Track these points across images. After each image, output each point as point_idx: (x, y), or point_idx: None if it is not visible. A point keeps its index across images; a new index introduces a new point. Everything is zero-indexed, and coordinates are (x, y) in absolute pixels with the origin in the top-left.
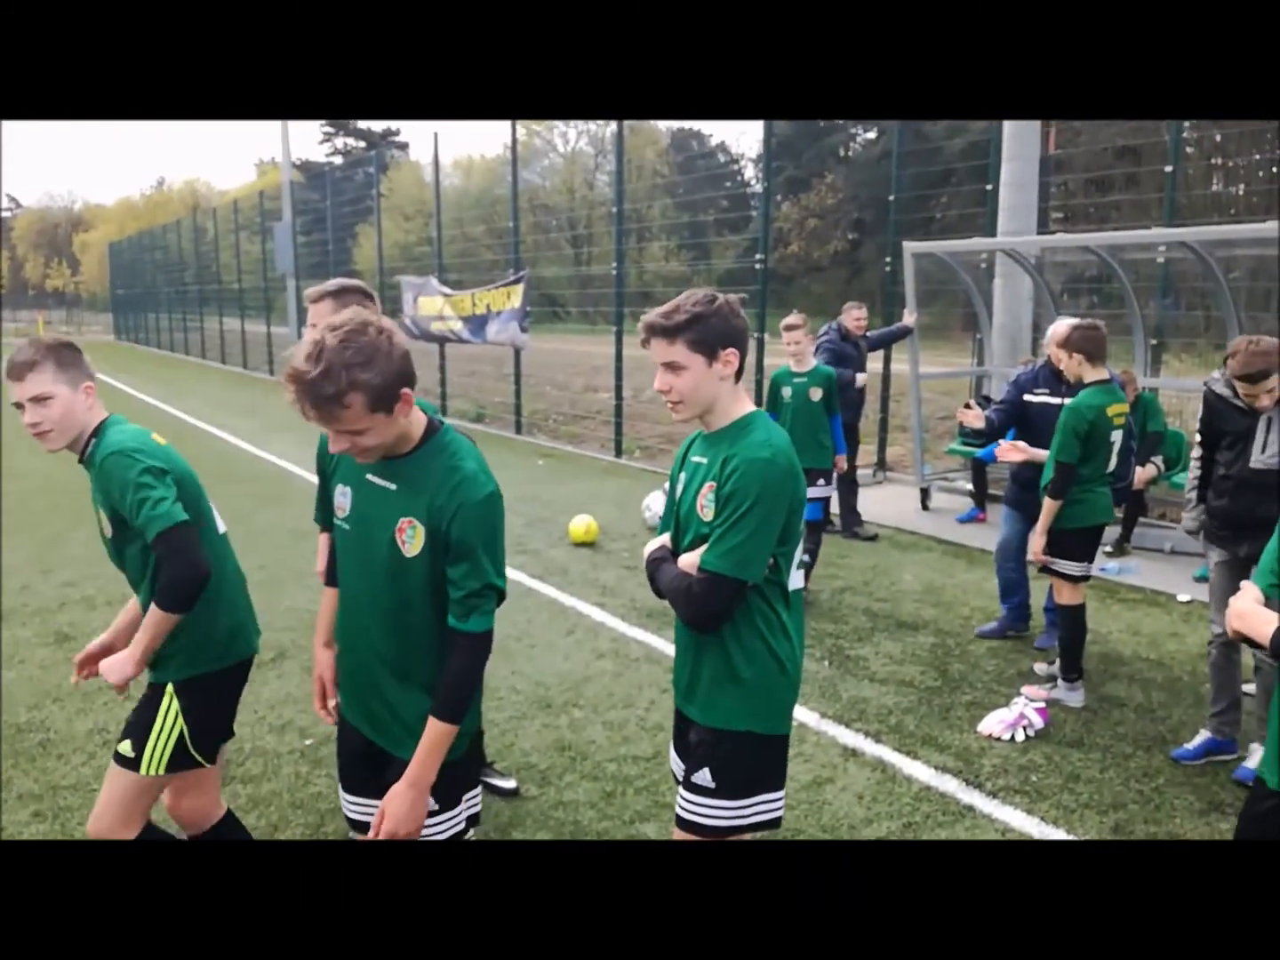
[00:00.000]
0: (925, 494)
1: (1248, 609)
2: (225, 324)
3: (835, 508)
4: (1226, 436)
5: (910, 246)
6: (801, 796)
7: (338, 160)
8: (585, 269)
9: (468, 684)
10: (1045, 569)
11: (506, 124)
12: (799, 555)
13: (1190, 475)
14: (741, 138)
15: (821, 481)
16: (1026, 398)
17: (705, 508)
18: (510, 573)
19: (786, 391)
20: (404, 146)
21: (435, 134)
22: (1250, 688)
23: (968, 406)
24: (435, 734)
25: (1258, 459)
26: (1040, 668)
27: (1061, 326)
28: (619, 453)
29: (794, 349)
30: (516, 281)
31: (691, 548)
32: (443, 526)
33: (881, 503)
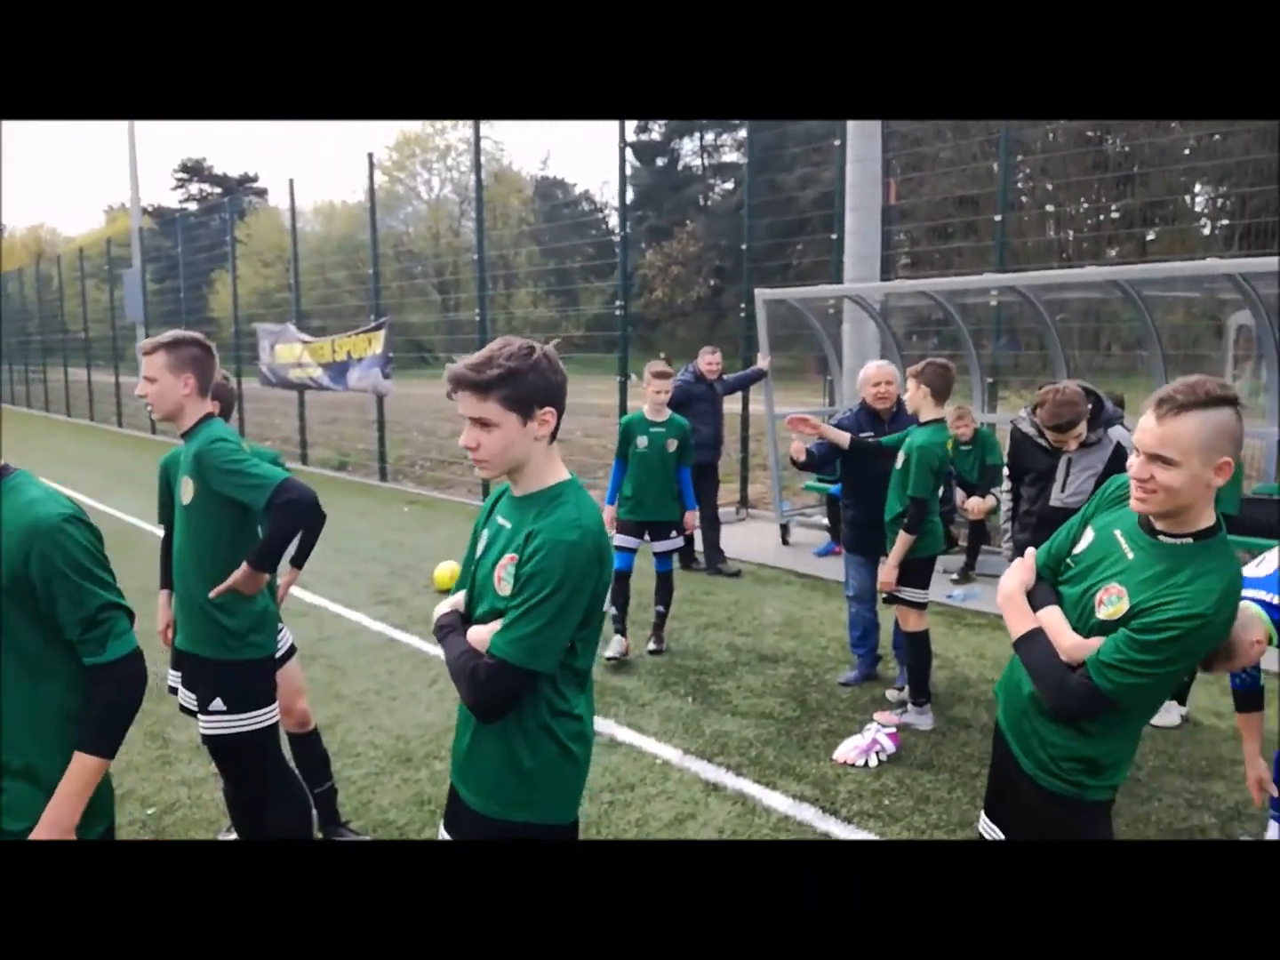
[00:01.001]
0: (785, 529)
1: (1014, 597)
2: (71, 374)
3: (699, 545)
4: (1030, 473)
5: (761, 293)
6: (664, 834)
7: (192, 206)
8: (452, 315)
9: (124, 717)
10: (892, 598)
11: (366, 170)
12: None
13: (1004, 508)
14: (604, 186)
15: (674, 533)
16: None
17: (503, 580)
18: (371, 624)
19: (642, 440)
20: (262, 193)
21: (291, 180)
22: None
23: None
24: (84, 769)
25: (1057, 497)
26: (891, 694)
27: (871, 368)
28: (486, 496)
29: (660, 397)
30: (378, 328)
31: (484, 619)
32: (20, 570)
33: (744, 539)
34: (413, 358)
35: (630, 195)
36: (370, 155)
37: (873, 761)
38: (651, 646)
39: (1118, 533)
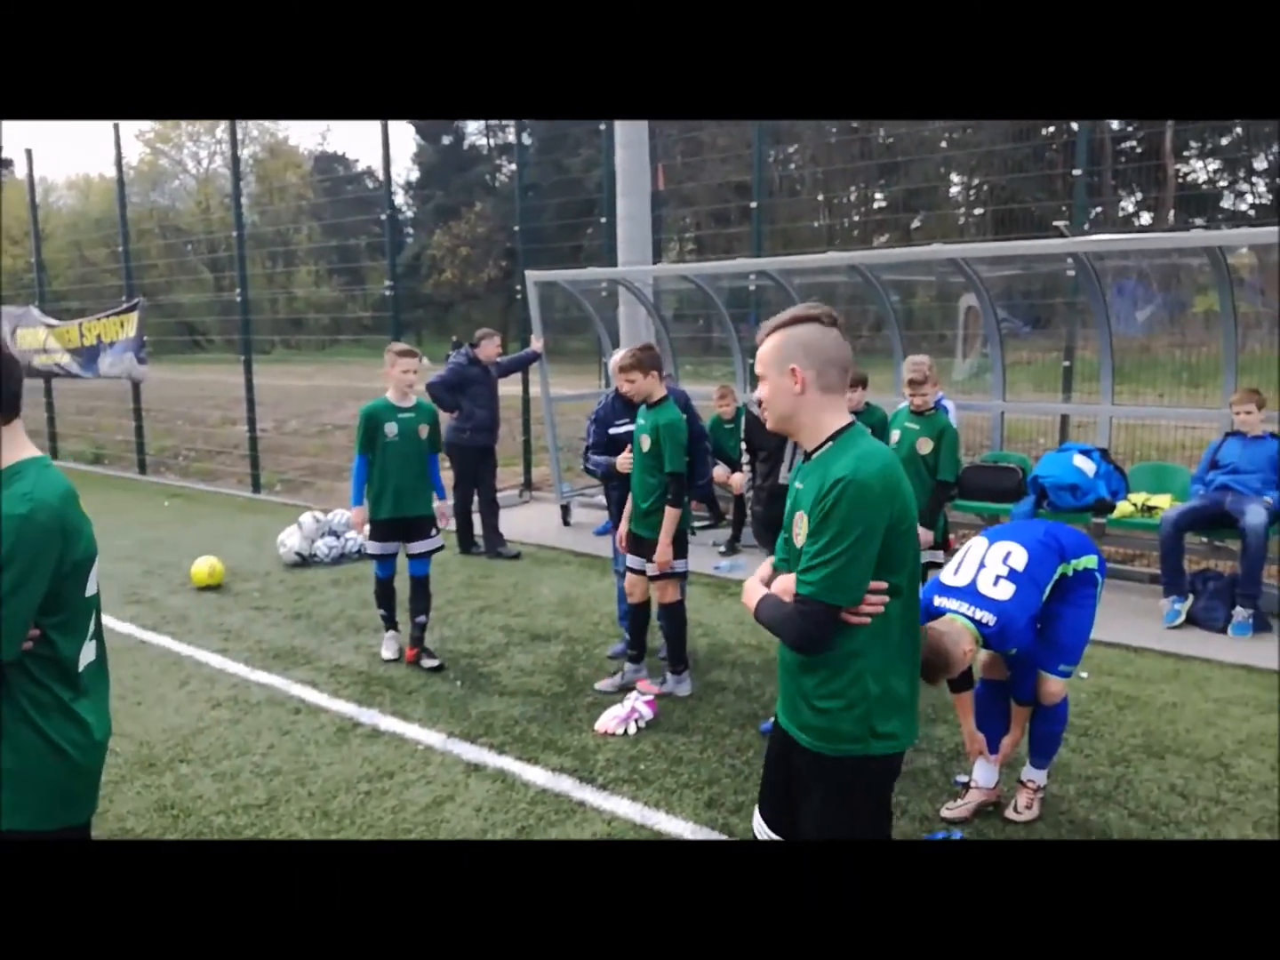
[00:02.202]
0: (566, 510)
1: (750, 586)
2: None
3: (479, 529)
4: (762, 452)
5: (532, 275)
6: (420, 819)
7: None
8: (227, 294)
9: None
10: (664, 574)
11: (123, 140)
12: (92, 627)
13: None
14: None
15: (434, 531)
16: (612, 431)
17: None
18: (118, 625)
19: (390, 429)
20: (8, 164)
21: (29, 150)
22: None
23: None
24: None
25: (785, 476)
26: (605, 684)
27: (620, 354)
28: (257, 488)
29: (407, 378)
30: (130, 309)
31: None
32: None
33: (527, 521)
34: (183, 341)
35: (416, 173)
36: (116, 126)
37: (631, 729)
38: (426, 664)
39: (797, 482)
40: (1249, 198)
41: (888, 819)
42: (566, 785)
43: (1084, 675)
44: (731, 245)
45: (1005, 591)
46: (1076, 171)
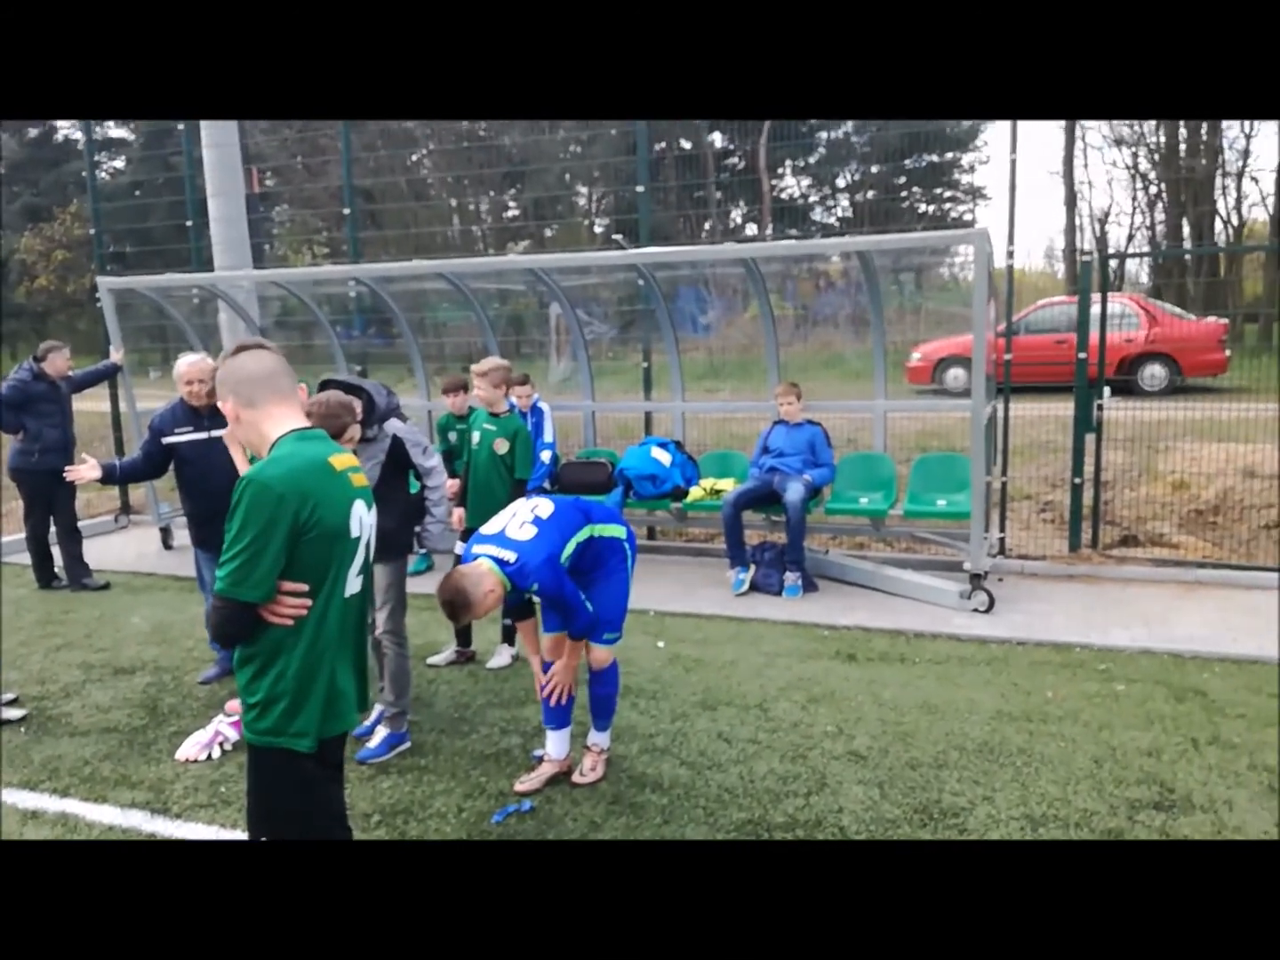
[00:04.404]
0: (166, 533)
1: None
2: None
3: (60, 561)
4: None
5: (105, 282)
6: None
7: None
8: None
9: None
10: None
11: None
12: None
13: None
14: None
15: None
16: (168, 440)
17: None
18: None
19: None
20: None
21: None
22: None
23: (83, 460)
24: None
25: None
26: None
27: (182, 365)
28: None
29: None
30: None
31: None
32: None
33: (122, 548)
34: None
35: None
36: None
37: (216, 753)
38: (9, 715)
39: None
40: (838, 210)
41: (322, 804)
42: (136, 819)
43: (660, 645)
44: (364, 249)
45: (528, 534)
46: (640, 188)
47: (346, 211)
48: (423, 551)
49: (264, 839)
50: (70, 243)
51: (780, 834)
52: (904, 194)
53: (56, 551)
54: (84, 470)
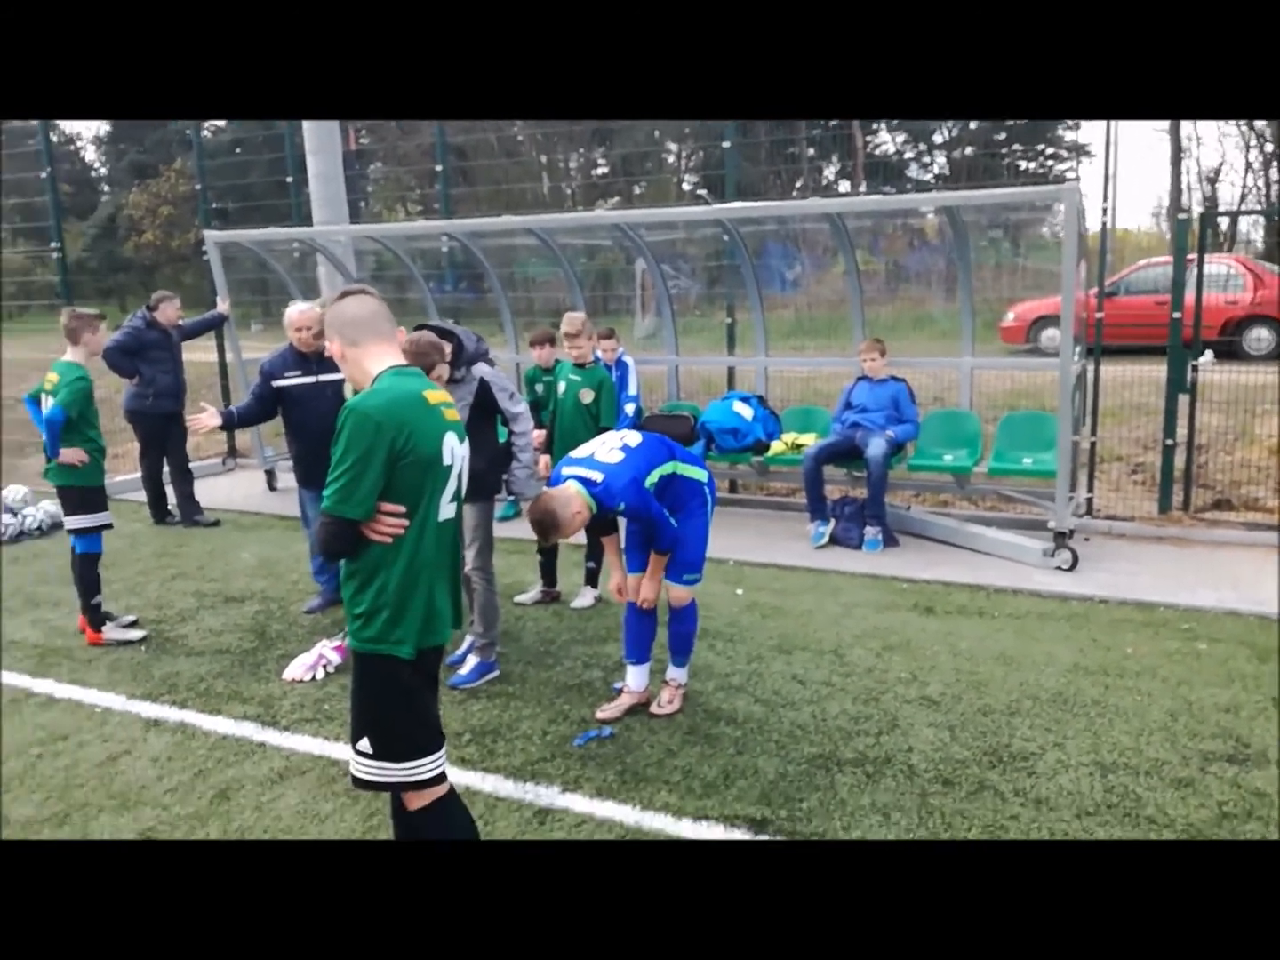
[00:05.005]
0: (271, 475)
1: None
2: None
3: (173, 499)
4: None
5: (212, 235)
6: (93, 774)
7: None
8: None
9: None
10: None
11: None
12: None
13: None
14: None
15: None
16: (277, 383)
17: None
18: None
19: None
20: None
21: None
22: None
23: (202, 409)
24: None
25: None
26: None
27: (293, 313)
28: None
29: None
30: None
31: None
32: None
33: (230, 489)
34: None
35: (106, 127)
36: None
37: (320, 674)
38: (131, 635)
39: None
40: (934, 167)
41: (420, 710)
42: (249, 730)
43: (739, 592)
44: (456, 205)
45: (616, 458)
46: (726, 144)
47: (439, 168)
48: (510, 498)
49: (367, 740)
50: (175, 199)
51: (850, 769)
52: (1004, 151)
53: (170, 490)
54: (205, 418)
